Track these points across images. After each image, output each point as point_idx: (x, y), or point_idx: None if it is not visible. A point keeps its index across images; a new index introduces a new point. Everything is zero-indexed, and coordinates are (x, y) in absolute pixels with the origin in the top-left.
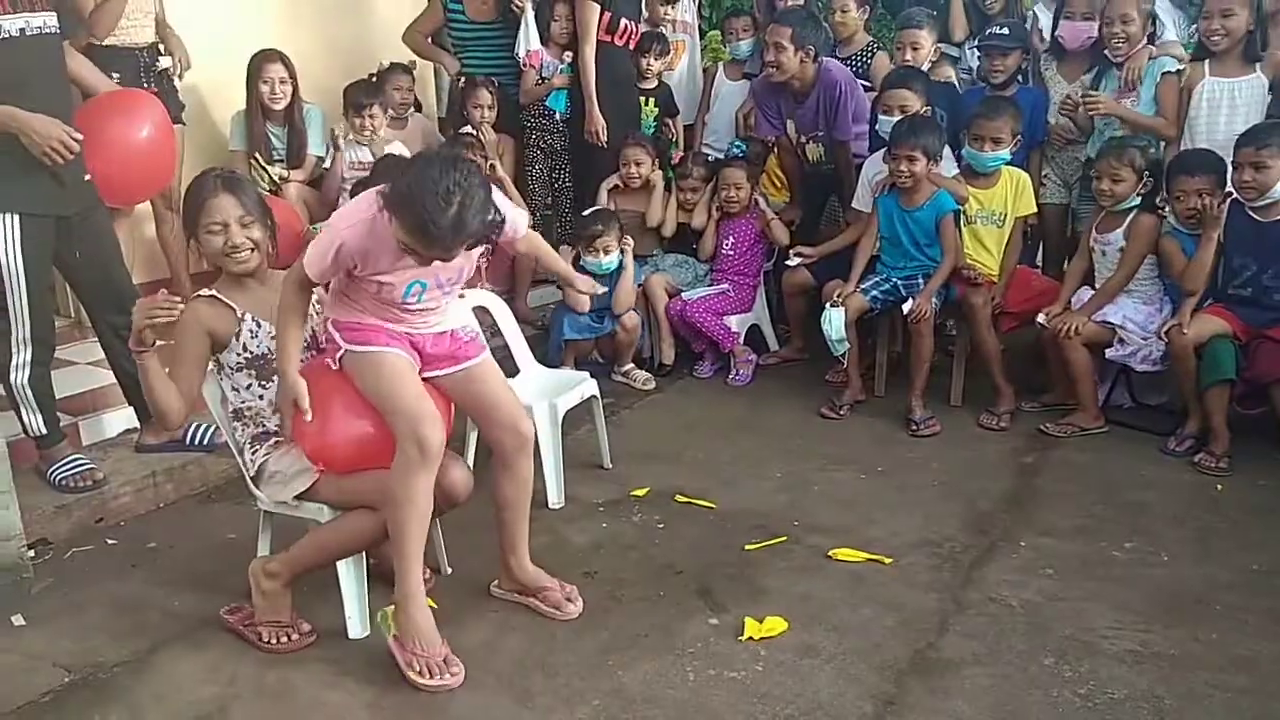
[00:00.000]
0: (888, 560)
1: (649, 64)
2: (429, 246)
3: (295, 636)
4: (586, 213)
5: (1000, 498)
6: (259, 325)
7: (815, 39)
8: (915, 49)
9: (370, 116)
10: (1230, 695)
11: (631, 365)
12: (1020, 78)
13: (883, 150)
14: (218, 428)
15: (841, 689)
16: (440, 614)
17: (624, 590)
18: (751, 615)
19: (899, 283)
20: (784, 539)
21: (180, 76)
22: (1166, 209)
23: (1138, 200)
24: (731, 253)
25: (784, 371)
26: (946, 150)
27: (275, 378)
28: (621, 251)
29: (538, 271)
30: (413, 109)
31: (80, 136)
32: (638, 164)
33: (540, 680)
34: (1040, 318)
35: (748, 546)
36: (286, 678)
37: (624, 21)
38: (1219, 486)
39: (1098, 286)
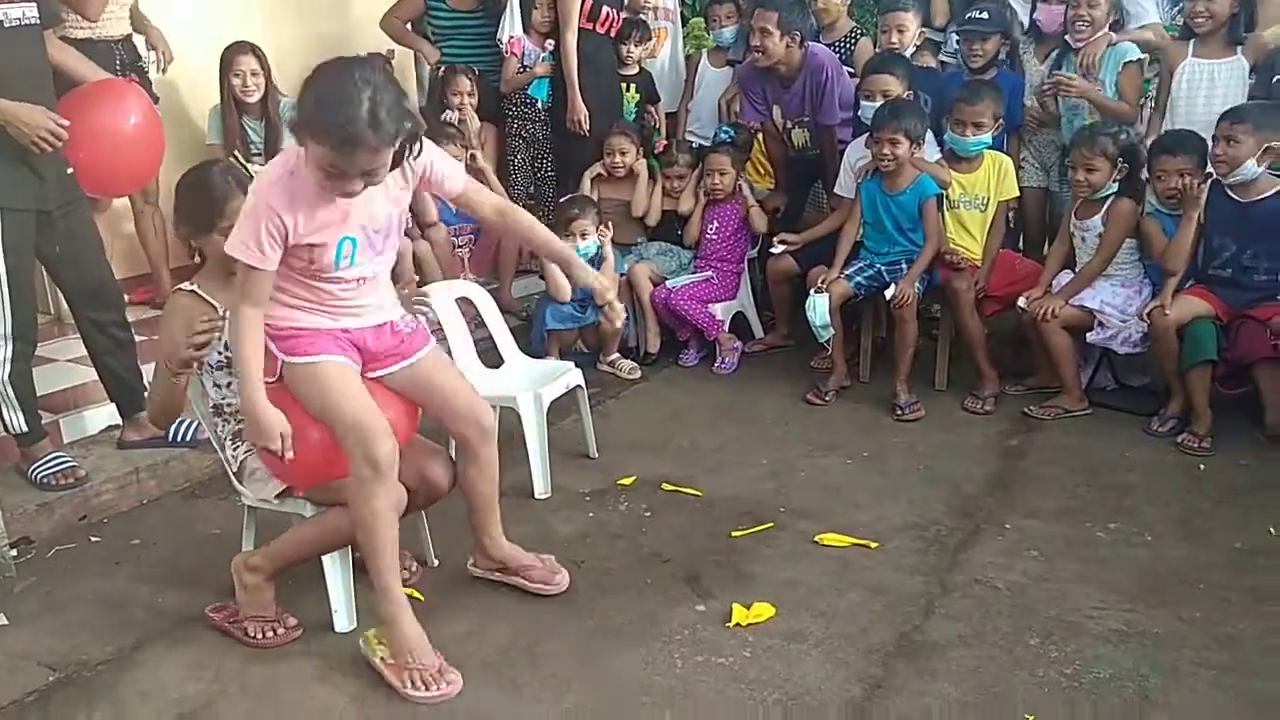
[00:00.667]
0: (874, 544)
1: (630, 51)
2: (350, 150)
3: (281, 631)
4: (563, 199)
5: (985, 481)
6: None
7: (801, 24)
8: (901, 32)
9: None
10: (1214, 673)
11: (617, 354)
12: (1008, 61)
13: (865, 136)
14: (200, 424)
15: (829, 673)
16: (426, 605)
17: (611, 579)
18: (739, 601)
19: (882, 268)
20: (770, 525)
21: (163, 70)
22: (1149, 188)
23: (1115, 186)
24: (715, 237)
25: (769, 358)
26: (929, 135)
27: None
28: (600, 240)
29: (521, 261)
30: None
31: (66, 122)
32: (622, 153)
33: (527, 669)
34: (1020, 301)
35: (734, 533)
36: (272, 672)
37: (605, 9)
38: (1201, 466)
39: (1078, 271)
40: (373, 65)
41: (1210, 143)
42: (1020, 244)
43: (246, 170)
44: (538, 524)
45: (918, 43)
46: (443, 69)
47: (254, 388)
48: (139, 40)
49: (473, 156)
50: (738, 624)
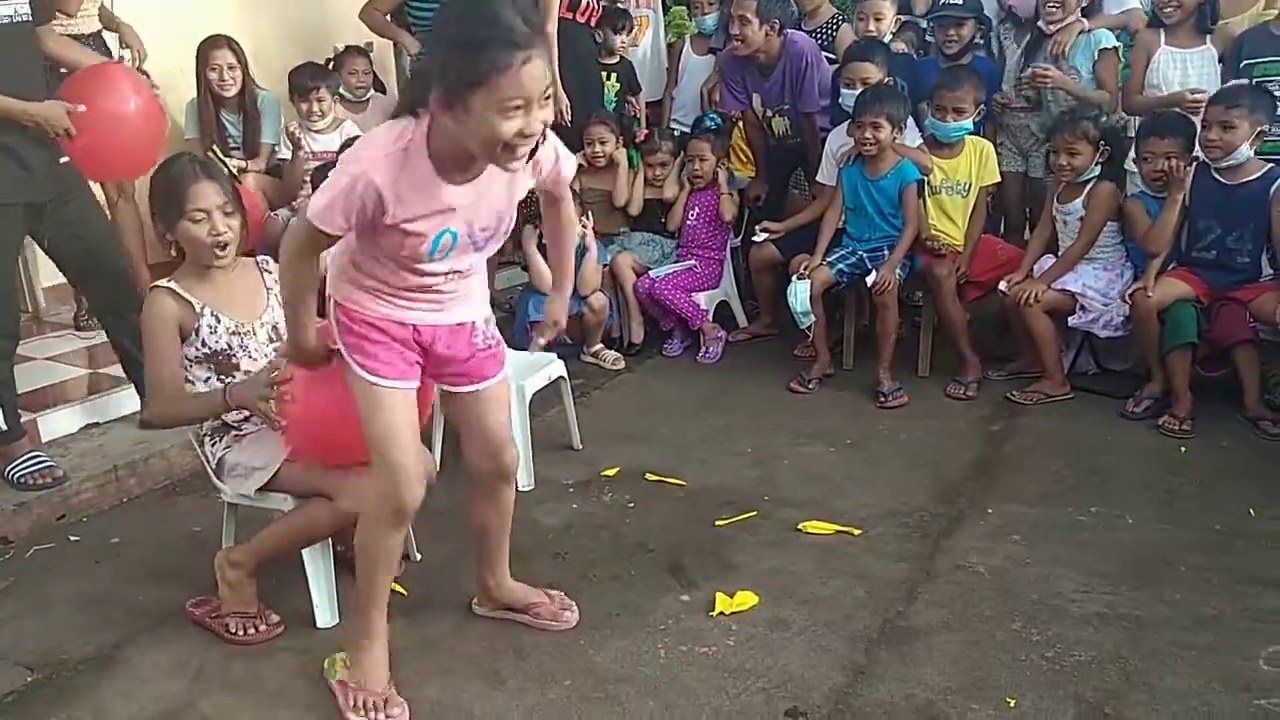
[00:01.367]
0: (857, 532)
1: (621, 40)
2: (509, 39)
3: (263, 627)
4: None
5: (968, 466)
6: (218, 320)
7: (780, 12)
8: (878, 19)
9: (317, 100)
10: (1194, 654)
11: (600, 345)
12: (983, 42)
13: (847, 123)
14: (39, 469)
15: (812, 660)
16: (410, 600)
17: (595, 570)
18: (722, 590)
19: (864, 255)
20: (754, 514)
21: (139, 68)
22: (1135, 169)
23: (1097, 170)
24: (696, 224)
25: (753, 347)
26: (911, 121)
27: (234, 372)
28: (583, 231)
29: (504, 253)
30: (373, 90)
31: (84, 109)
32: (601, 142)
33: (511, 662)
34: (1002, 285)
35: (718, 522)
36: (254, 669)
37: None
38: (1182, 449)
39: (1060, 255)
40: None
41: (1200, 125)
42: (1001, 229)
43: (225, 165)
44: (521, 516)
45: (893, 29)
46: (422, 60)
47: (305, 327)
48: (110, 38)
49: None
50: (721, 613)
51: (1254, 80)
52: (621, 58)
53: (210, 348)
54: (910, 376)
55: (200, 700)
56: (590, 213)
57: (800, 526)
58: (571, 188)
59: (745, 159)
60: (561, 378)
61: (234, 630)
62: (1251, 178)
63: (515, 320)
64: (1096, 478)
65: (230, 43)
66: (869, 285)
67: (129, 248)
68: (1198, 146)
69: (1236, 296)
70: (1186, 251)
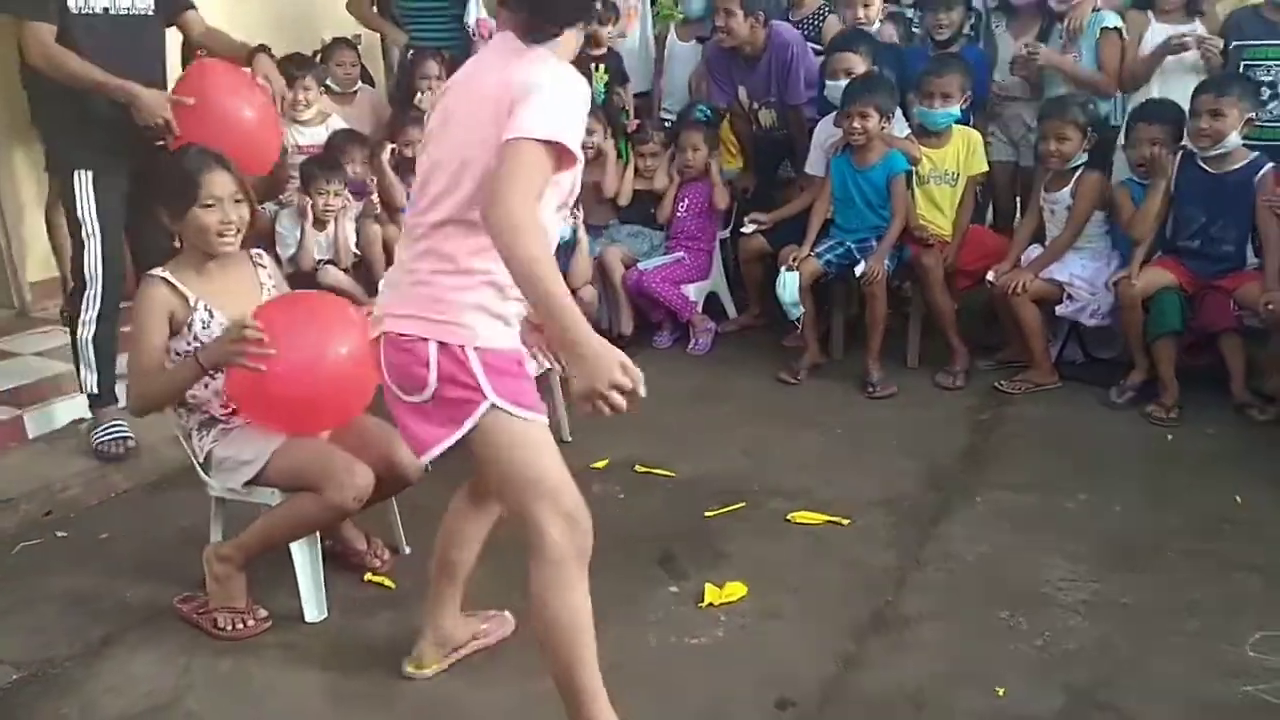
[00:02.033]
0: (846, 521)
1: (606, 31)
2: None
3: (251, 623)
4: None
5: (956, 455)
6: (211, 315)
7: (764, 3)
8: (865, 6)
9: (303, 89)
10: (1182, 640)
11: None
12: (972, 33)
13: (834, 114)
14: (114, 439)
15: (802, 650)
16: (398, 593)
17: None
18: (712, 581)
19: (853, 246)
20: (743, 504)
21: None
22: (1126, 154)
23: (1084, 158)
24: (685, 215)
25: (743, 339)
26: (898, 113)
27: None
28: (574, 224)
29: None
30: (361, 83)
31: (193, 102)
32: (589, 133)
33: (499, 655)
34: (990, 275)
35: (707, 513)
36: (242, 664)
37: None
38: (1169, 437)
39: (1047, 245)
40: None
41: (1188, 113)
42: (991, 219)
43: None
44: None
45: (881, 17)
46: (411, 53)
47: (581, 322)
48: None
49: None
50: (711, 603)
51: (1243, 63)
52: (609, 48)
53: (202, 342)
54: (899, 366)
55: (188, 696)
56: (580, 205)
57: (790, 516)
58: None
59: (733, 151)
60: (551, 369)
61: (222, 625)
62: (1236, 166)
63: None
64: (1084, 466)
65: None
66: (858, 276)
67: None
68: (1186, 135)
69: (1221, 285)
70: (1172, 240)
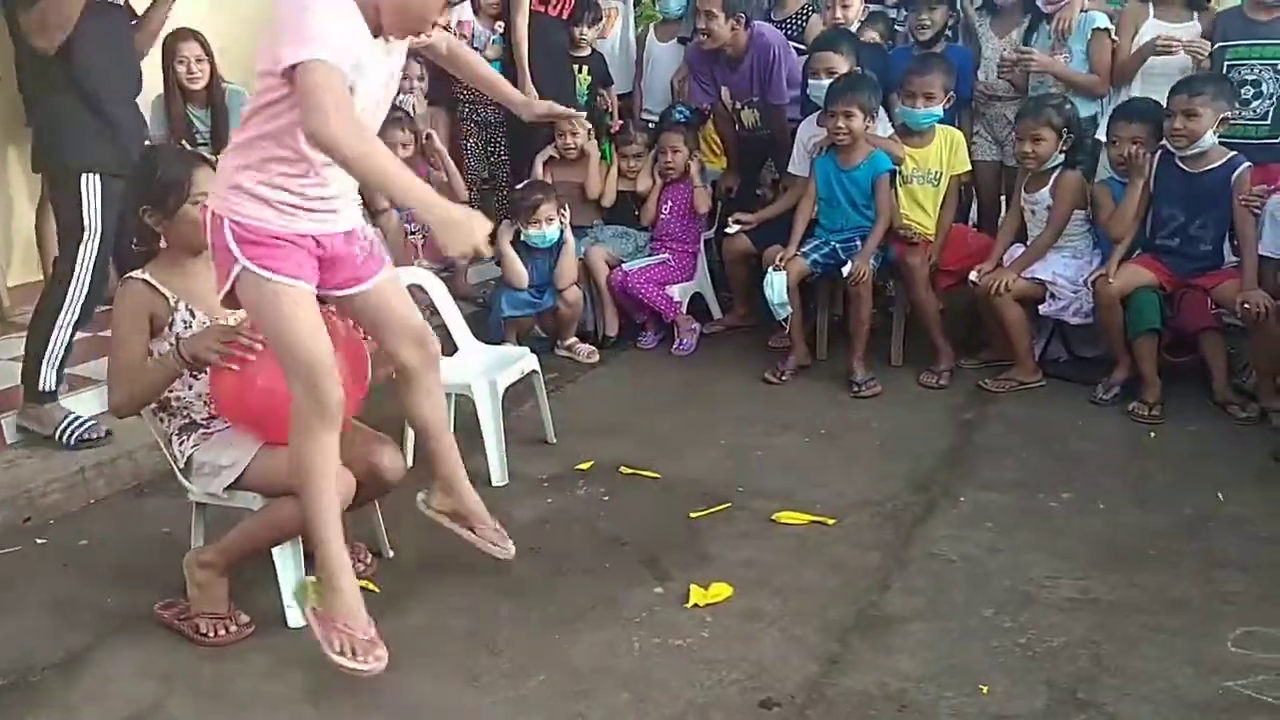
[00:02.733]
0: (831, 521)
1: (582, 33)
2: None
3: (233, 628)
4: (522, 185)
5: (941, 454)
6: (192, 315)
7: (745, 5)
8: (845, 7)
9: None
10: (1165, 637)
11: (575, 339)
12: (949, 34)
13: (817, 114)
14: (91, 424)
15: (786, 651)
16: (382, 598)
17: (569, 564)
18: (697, 582)
19: (838, 246)
20: (728, 505)
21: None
22: (1106, 152)
23: (1061, 158)
24: (669, 217)
25: (728, 339)
26: (881, 113)
27: (205, 370)
28: (562, 224)
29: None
30: None
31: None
32: (573, 134)
33: (485, 659)
34: (973, 275)
35: (692, 515)
36: (224, 670)
37: None
38: (1152, 434)
39: (1029, 244)
40: None
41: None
42: (973, 218)
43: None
44: (495, 511)
45: (862, 18)
46: None
47: (429, 192)
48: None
49: (429, 137)
50: (696, 605)
51: (1227, 64)
52: (593, 50)
53: None
54: (883, 366)
55: (169, 702)
56: (566, 206)
57: (774, 517)
58: (546, 182)
59: (716, 151)
60: (535, 372)
61: (204, 631)
62: (1213, 165)
63: (489, 315)
64: (1068, 464)
65: (197, 35)
66: (844, 276)
67: None
68: (1166, 137)
69: (1199, 284)
70: (1150, 239)
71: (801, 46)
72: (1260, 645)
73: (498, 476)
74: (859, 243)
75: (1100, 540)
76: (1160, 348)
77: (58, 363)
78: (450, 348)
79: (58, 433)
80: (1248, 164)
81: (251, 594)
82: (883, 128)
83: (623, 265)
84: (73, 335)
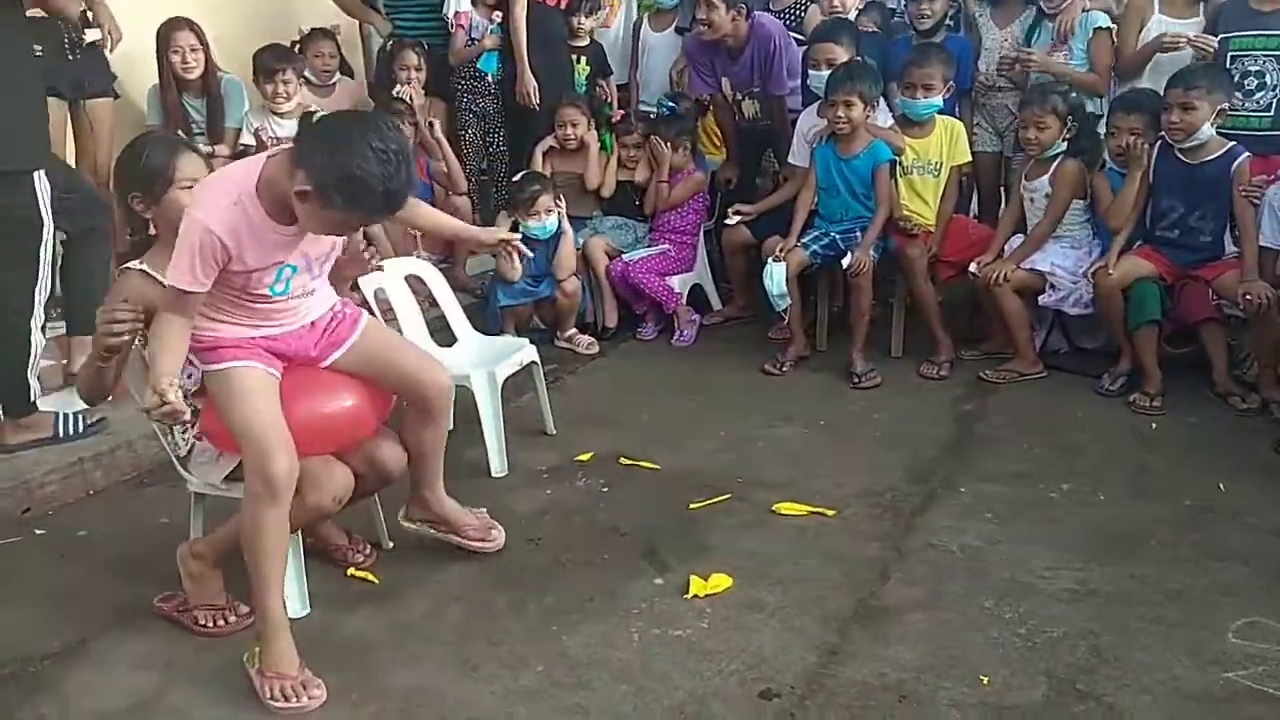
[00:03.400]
0: (831, 512)
1: (580, 22)
2: (380, 211)
3: (232, 619)
4: (518, 176)
5: (941, 445)
6: None
7: None
8: None
9: (284, 83)
10: (1163, 629)
11: (574, 330)
12: (951, 24)
13: (817, 104)
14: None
15: (786, 641)
16: (381, 588)
17: (568, 555)
18: (696, 573)
19: (837, 237)
20: (728, 496)
21: (111, 49)
22: (1107, 143)
23: (1063, 146)
24: (668, 209)
25: (728, 330)
26: (882, 103)
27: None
28: (558, 216)
29: None
30: (339, 74)
31: None
32: (573, 125)
33: (483, 649)
34: (972, 267)
35: (692, 506)
36: (224, 661)
37: None
38: (1153, 425)
39: (1028, 234)
40: (386, 122)
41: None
42: (974, 209)
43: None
44: (494, 503)
45: (859, 6)
46: (390, 43)
47: (162, 370)
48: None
49: (431, 125)
50: (695, 595)
51: (1231, 54)
52: (591, 40)
53: None
54: (883, 357)
55: (169, 693)
56: (562, 196)
57: (774, 508)
58: (543, 173)
59: (716, 142)
60: (534, 363)
61: (202, 622)
62: (1213, 156)
63: (487, 307)
64: (1068, 455)
65: (191, 24)
66: (844, 267)
67: None
68: (1164, 129)
69: (1199, 275)
70: (1150, 230)
71: (800, 37)
72: (1260, 636)
73: (497, 467)
74: (859, 234)
75: (1100, 531)
76: (1161, 339)
77: (37, 368)
78: (449, 339)
79: (60, 430)
80: (1247, 154)
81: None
82: (883, 118)
83: (623, 255)
84: (43, 336)
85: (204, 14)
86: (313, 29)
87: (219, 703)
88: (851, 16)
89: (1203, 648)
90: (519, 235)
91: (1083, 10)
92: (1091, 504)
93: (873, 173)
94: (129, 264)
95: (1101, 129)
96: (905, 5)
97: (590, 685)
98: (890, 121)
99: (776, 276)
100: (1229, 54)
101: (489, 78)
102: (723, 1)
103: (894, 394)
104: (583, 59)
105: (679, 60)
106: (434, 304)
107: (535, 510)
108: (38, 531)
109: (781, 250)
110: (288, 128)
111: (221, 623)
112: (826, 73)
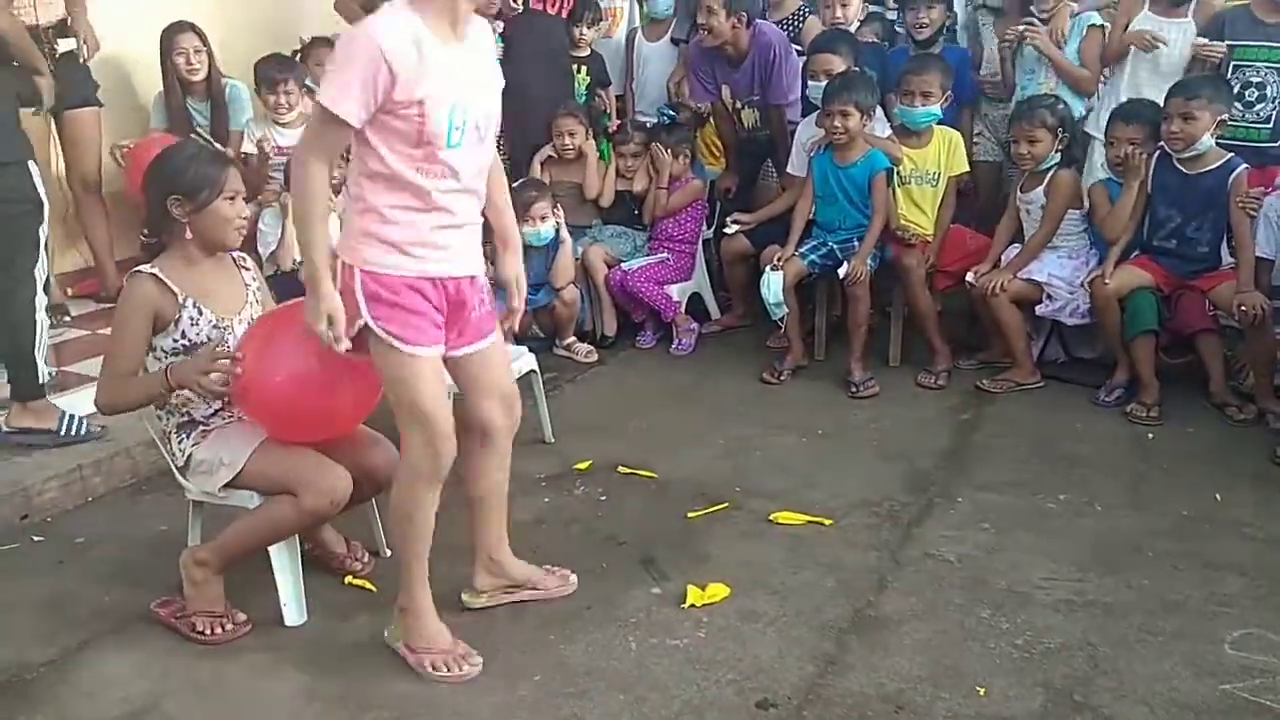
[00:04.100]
0: (828, 522)
1: (582, 33)
2: None
3: (230, 627)
4: (516, 183)
5: (939, 455)
6: (200, 312)
7: (747, 3)
8: (844, 6)
9: (286, 93)
10: (1161, 639)
11: (573, 338)
12: (948, 33)
13: (815, 114)
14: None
15: (783, 651)
16: (378, 596)
17: (566, 564)
18: (694, 582)
19: (835, 246)
20: (726, 505)
21: (85, 60)
22: (1105, 153)
23: (1057, 157)
24: (667, 217)
25: (726, 339)
26: (879, 112)
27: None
28: (557, 223)
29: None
30: None
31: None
32: (571, 134)
33: (482, 659)
34: (969, 277)
35: (690, 515)
36: (221, 669)
37: None
38: (1150, 436)
39: (1024, 245)
40: None
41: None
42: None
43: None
44: None
45: (861, 17)
46: None
47: (322, 270)
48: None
49: None
50: (693, 605)
51: (1233, 63)
52: (592, 50)
53: (190, 340)
54: (881, 366)
55: (166, 701)
56: (560, 205)
57: (772, 517)
58: (542, 180)
59: (715, 152)
60: (533, 371)
61: (200, 630)
62: (1211, 167)
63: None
64: (1065, 465)
65: (194, 27)
66: (841, 277)
67: (95, 241)
68: (1163, 139)
69: (1196, 285)
70: (1147, 240)
71: (799, 47)
72: (1258, 648)
73: None
74: (856, 243)
75: (1097, 542)
76: (1157, 349)
77: (44, 349)
78: None
79: (62, 426)
80: (1245, 166)
81: (248, 592)
82: (881, 128)
83: (621, 264)
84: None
85: (206, 23)
86: (314, 38)
87: (215, 711)
88: (853, 28)
89: (1200, 659)
90: (523, 312)
91: (1072, 15)
92: (1089, 514)
93: (870, 181)
94: (140, 267)
95: (1091, 130)
96: (902, 15)
97: (588, 694)
98: (888, 132)
99: (773, 286)
100: (1231, 63)
101: None
102: (723, 7)
103: (892, 403)
104: (583, 69)
105: (677, 71)
106: None
107: (533, 519)
108: (36, 538)
109: (779, 260)
110: (289, 137)
111: (219, 630)
112: (825, 83)
